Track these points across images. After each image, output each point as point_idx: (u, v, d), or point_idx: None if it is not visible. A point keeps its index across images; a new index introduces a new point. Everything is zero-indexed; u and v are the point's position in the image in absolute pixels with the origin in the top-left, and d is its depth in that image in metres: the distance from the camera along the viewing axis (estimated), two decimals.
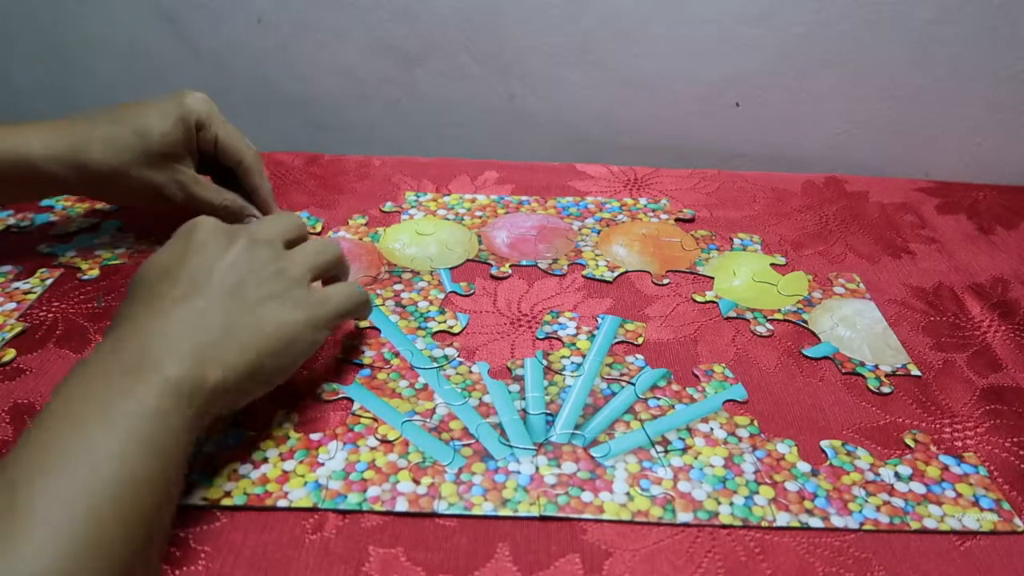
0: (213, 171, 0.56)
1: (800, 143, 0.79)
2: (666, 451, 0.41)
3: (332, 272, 0.44)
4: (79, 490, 0.28)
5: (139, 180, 0.51)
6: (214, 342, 0.35)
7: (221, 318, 0.36)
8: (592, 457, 0.41)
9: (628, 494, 0.39)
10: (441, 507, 0.38)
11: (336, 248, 0.45)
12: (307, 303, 0.40)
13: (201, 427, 0.35)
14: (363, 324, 0.50)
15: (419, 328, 0.50)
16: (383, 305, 0.52)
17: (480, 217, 0.63)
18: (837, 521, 0.38)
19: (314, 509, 0.37)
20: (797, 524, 0.37)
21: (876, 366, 0.48)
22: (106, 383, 0.32)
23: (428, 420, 0.43)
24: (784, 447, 0.42)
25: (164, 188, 0.52)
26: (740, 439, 0.42)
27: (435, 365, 0.47)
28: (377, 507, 0.38)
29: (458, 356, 0.48)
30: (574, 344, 0.49)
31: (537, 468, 0.40)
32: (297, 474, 0.39)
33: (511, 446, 0.41)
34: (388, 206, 0.64)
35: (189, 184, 0.52)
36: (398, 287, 0.54)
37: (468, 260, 0.57)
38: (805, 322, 0.52)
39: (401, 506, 0.38)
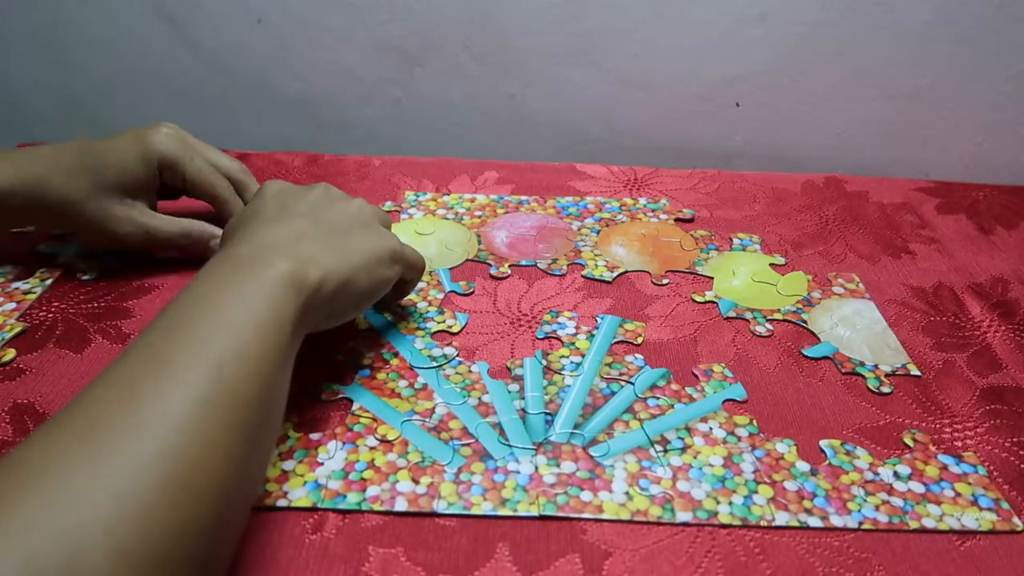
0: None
1: (800, 143, 0.79)
2: (665, 450, 0.41)
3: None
4: (206, 352, 0.31)
5: (93, 214, 0.50)
6: (314, 250, 0.39)
7: (315, 234, 0.40)
8: (591, 457, 0.41)
9: (627, 493, 0.39)
10: (440, 507, 0.38)
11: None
12: (386, 234, 0.44)
13: (304, 328, 0.38)
14: (362, 325, 0.50)
15: (418, 328, 0.50)
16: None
17: (479, 217, 0.63)
18: (836, 520, 0.38)
19: (313, 509, 0.37)
20: (796, 523, 0.37)
21: (876, 366, 0.48)
22: (222, 277, 0.35)
23: (427, 420, 0.43)
24: (783, 446, 0.42)
25: (118, 224, 0.51)
26: (739, 438, 0.42)
27: (434, 365, 0.47)
28: (376, 507, 0.38)
29: (457, 356, 0.48)
30: (573, 344, 0.49)
31: (536, 468, 0.40)
32: (296, 474, 0.39)
33: (510, 446, 0.41)
34: (388, 206, 0.64)
35: (146, 221, 0.52)
36: None
37: (467, 260, 0.57)
38: (805, 322, 0.52)
39: (400, 506, 0.38)
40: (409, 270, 0.46)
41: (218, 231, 0.54)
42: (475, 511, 0.38)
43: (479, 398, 0.44)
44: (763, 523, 0.37)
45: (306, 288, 0.37)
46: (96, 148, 0.50)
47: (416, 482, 0.39)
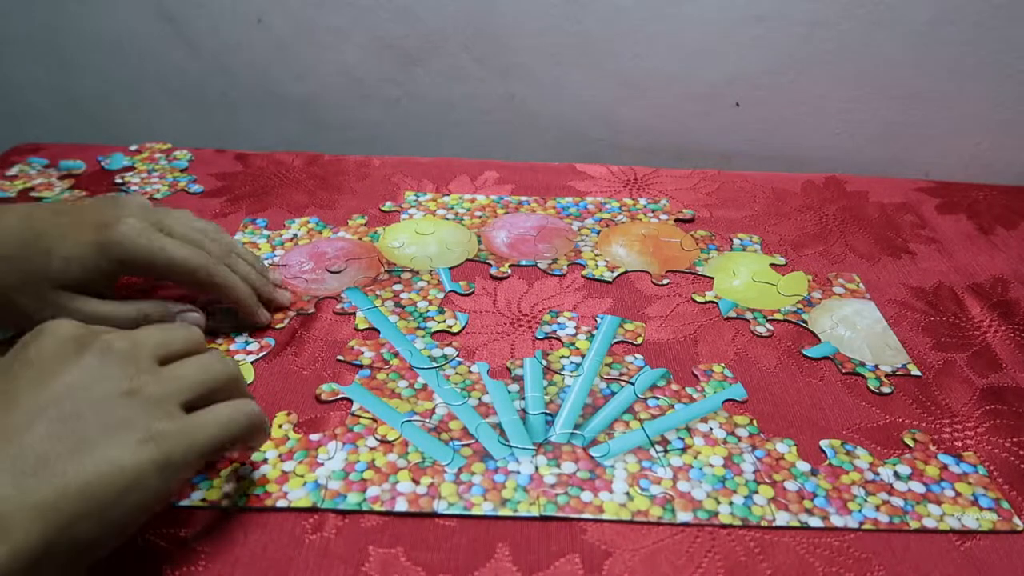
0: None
1: (800, 143, 0.80)
2: (665, 451, 0.41)
3: (220, 394, 0.35)
4: None
5: (25, 305, 0.42)
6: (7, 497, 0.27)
7: (34, 458, 0.28)
8: (591, 457, 0.41)
9: (628, 494, 0.39)
10: (441, 507, 0.38)
11: (227, 366, 0.36)
12: (162, 435, 0.31)
13: None
14: (362, 325, 0.50)
15: (418, 328, 0.50)
16: (382, 305, 0.52)
17: (480, 217, 0.63)
18: (836, 520, 0.38)
19: (314, 509, 0.37)
20: (796, 523, 0.37)
21: (876, 366, 0.48)
22: None
23: (427, 420, 0.43)
24: (783, 447, 0.42)
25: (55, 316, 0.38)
26: (739, 439, 0.42)
27: (434, 365, 0.47)
28: (377, 507, 0.38)
29: (457, 356, 0.48)
30: (573, 344, 0.49)
31: (537, 468, 0.40)
32: (296, 474, 0.39)
33: (511, 446, 0.41)
34: (388, 206, 0.64)
35: (92, 311, 0.43)
36: (397, 287, 0.54)
37: (468, 260, 0.57)
38: (805, 322, 0.52)
39: (401, 506, 0.38)
40: (240, 444, 0.36)
41: (183, 307, 0.47)
42: (475, 511, 0.38)
43: (479, 398, 0.44)
44: (763, 523, 0.37)
45: None
46: (46, 234, 0.43)
47: (416, 482, 0.39)
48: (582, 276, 0.56)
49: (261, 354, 0.47)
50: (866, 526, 0.37)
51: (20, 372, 0.31)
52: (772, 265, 0.58)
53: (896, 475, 0.40)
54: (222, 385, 0.35)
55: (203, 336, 0.37)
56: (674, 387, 0.46)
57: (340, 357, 0.47)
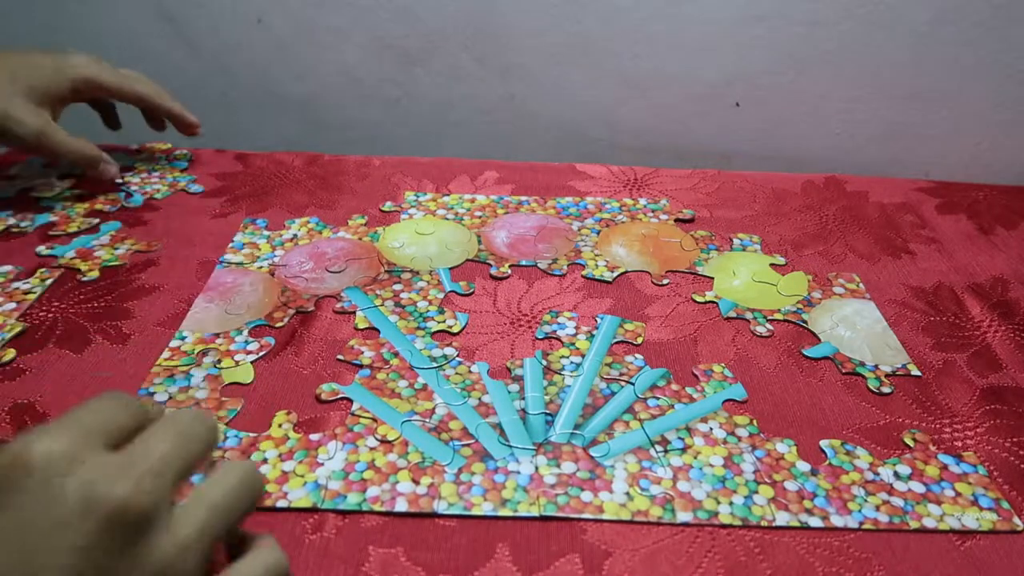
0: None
1: (800, 143, 0.80)
2: (665, 451, 0.41)
3: (250, 512, 0.29)
4: None
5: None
6: None
7: None
8: (591, 457, 0.41)
9: (628, 494, 0.39)
10: (441, 507, 0.38)
11: (254, 491, 0.29)
12: None
13: None
14: (361, 324, 0.50)
15: (418, 328, 0.50)
16: (382, 305, 0.52)
17: (480, 217, 0.63)
18: (837, 520, 0.38)
19: (314, 509, 0.37)
20: (797, 523, 0.37)
21: (876, 366, 0.48)
22: None
23: (427, 420, 0.43)
24: (783, 447, 0.42)
25: (16, 121, 0.55)
26: (739, 439, 0.42)
27: (434, 365, 0.47)
28: (377, 507, 0.38)
29: (457, 356, 0.48)
30: (573, 344, 0.49)
31: (537, 468, 0.40)
32: (296, 474, 0.39)
33: (511, 446, 0.41)
34: (388, 206, 0.64)
35: (43, 123, 0.57)
36: (397, 287, 0.54)
37: (468, 260, 0.57)
38: (805, 322, 0.52)
39: (401, 506, 0.38)
40: None
41: (108, 159, 0.63)
42: (475, 511, 0.38)
43: (479, 398, 0.44)
44: (763, 523, 0.37)
45: None
46: (13, 53, 0.56)
47: (416, 483, 0.39)
48: (582, 276, 0.56)
49: (261, 353, 0.47)
50: (866, 526, 0.37)
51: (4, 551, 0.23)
52: (772, 265, 0.58)
53: (896, 475, 0.40)
54: (251, 502, 0.29)
55: (216, 426, 0.30)
56: (674, 387, 0.46)
57: (340, 357, 0.47)
